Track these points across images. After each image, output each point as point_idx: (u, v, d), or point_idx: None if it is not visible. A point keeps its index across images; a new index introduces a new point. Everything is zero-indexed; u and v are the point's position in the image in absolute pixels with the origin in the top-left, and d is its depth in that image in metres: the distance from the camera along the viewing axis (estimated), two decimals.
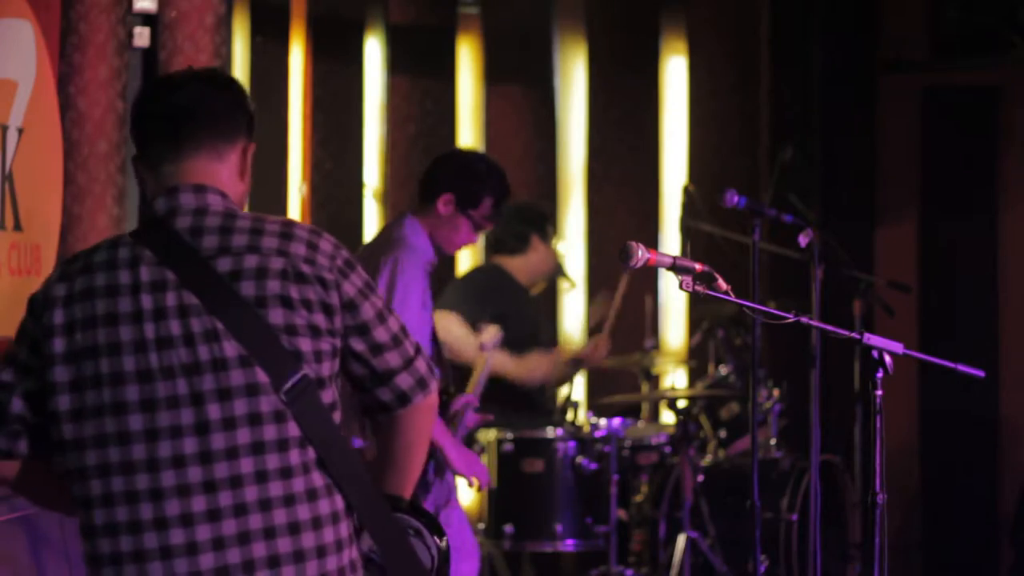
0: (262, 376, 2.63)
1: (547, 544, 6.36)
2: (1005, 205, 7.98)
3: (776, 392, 6.83)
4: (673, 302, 7.98)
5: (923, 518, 7.98)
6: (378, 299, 2.77)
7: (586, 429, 6.50)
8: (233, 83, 2.87)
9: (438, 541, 2.82)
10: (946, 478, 7.91)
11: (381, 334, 2.76)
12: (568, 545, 6.37)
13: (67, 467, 2.70)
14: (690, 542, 6.27)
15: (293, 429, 2.64)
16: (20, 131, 4.70)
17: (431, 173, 4.91)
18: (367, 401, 2.81)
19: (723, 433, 7.02)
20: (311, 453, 2.66)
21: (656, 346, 7.34)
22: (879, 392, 3.38)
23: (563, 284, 7.35)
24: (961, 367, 3.53)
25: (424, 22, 7.35)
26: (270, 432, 2.63)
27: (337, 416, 2.72)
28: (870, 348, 3.37)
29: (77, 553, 4.08)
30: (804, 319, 3.37)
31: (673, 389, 7.28)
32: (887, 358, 3.38)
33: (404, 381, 2.78)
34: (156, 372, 2.64)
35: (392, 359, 2.77)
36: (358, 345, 2.74)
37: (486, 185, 4.83)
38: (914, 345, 4.27)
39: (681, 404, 6.61)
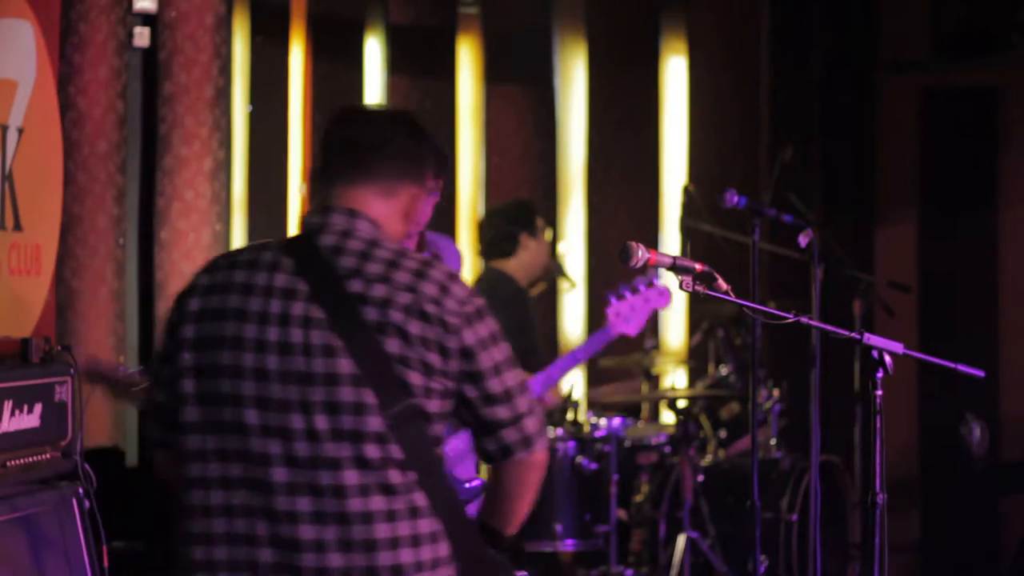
0: (370, 397, 2.74)
1: (547, 544, 6.36)
2: (1005, 205, 7.98)
3: (776, 392, 6.84)
4: (673, 302, 7.98)
5: (923, 518, 7.98)
6: (500, 352, 2.85)
7: (586, 429, 6.50)
8: (425, 135, 3.00)
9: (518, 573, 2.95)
10: (946, 479, 7.91)
11: (494, 385, 2.83)
12: (568, 545, 6.37)
13: (188, 448, 2.86)
14: (690, 542, 6.27)
15: (396, 451, 2.76)
16: (20, 131, 4.70)
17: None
18: (476, 447, 2.91)
19: (723, 433, 7.03)
20: (412, 475, 2.77)
21: (656, 346, 7.34)
22: (879, 392, 3.38)
23: (563, 284, 7.35)
24: (961, 367, 3.53)
25: (424, 22, 7.35)
26: (372, 450, 2.75)
27: (440, 451, 2.83)
28: (870, 348, 3.37)
29: (77, 553, 4.09)
30: (804, 319, 3.36)
31: (673, 389, 7.28)
32: (887, 358, 3.37)
33: (509, 436, 2.87)
34: (273, 373, 2.77)
35: (501, 412, 2.85)
36: (470, 392, 2.83)
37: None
38: (914, 345, 4.26)
39: (681, 404, 6.61)
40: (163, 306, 6.00)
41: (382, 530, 2.75)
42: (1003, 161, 8.00)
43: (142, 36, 5.86)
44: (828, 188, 8.12)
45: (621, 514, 6.53)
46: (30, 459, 4.00)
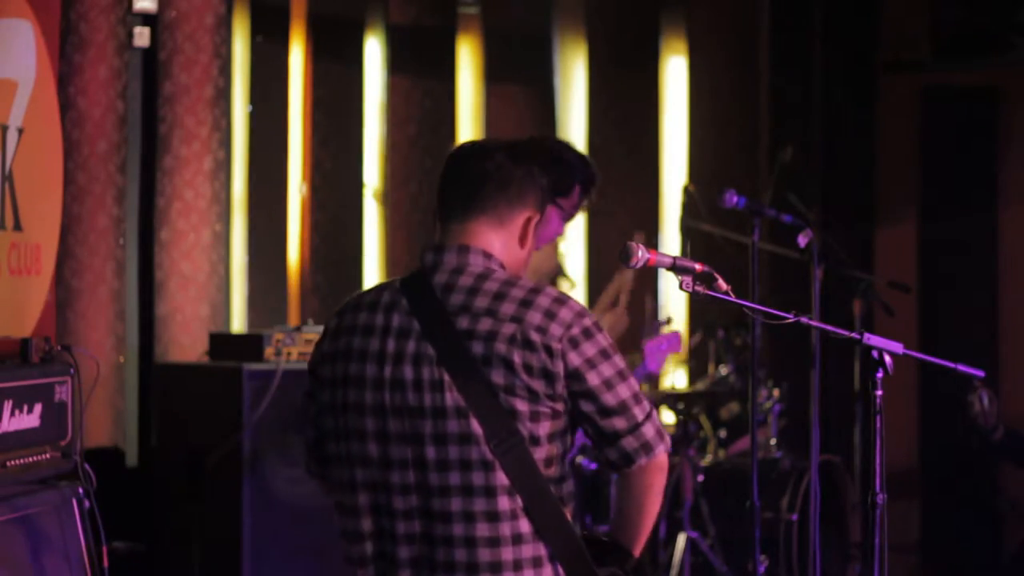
0: (476, 428, 2.91)
1: None
2: (1005, 205, 7.98)
3: (776, 392, 6.84)
4: (673, 302, 7.99)
5: (923, 518, 7.98)
6: (610, 367, 2.96)
7: None
8: (533, 161, 3.13)
9: None
10: (946, 478, 7.91)
11: (608, 400, 2.96)
12: None
13: (334, 479, 3.09)
14: (690, 542, 6.27)
15: (501, 478, 2.91)
16: (20, 131, 4.70)
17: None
18: (601, 461, 3.12)
19: (723, 433, 7.03)
20: (519, 501, 2.92)
21: None
22: (879, 392, 3.38)
23: (563, 284, 7.35)
24: (961, 367, 3.53)
25: (424, 22, 7.35)
26: (478, 478, 2.91)
27: (553, 471, 2.95)
28: (870, 348, 3.37)
29: (77, 553, 4.09)
30: (804, 319, 3.36)
31: (673, 389, 7.27)
32: (887, 358, 3.37)
33: (628, 444, 2.98)
34: (388, 409, 2.97)
35: (618, 423, 2.97)
36: (586, 407, 2.96)
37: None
38: (914, 345, 4.26)
39: (681, 404, 6.61)
40: (163, 306, 6.00)
41: (484, 555, 2.92)
42: (1003, 161, 8.01)
43: (142, 36, 5.86)
44: (828, 188, 8.12)
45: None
46: (30, 459, 4.00)
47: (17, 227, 4.70)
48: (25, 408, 3.99)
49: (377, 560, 3.01)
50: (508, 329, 2.92)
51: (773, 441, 6.77)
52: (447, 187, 3.12)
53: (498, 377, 2.90)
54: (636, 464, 2.99)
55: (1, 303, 4.62)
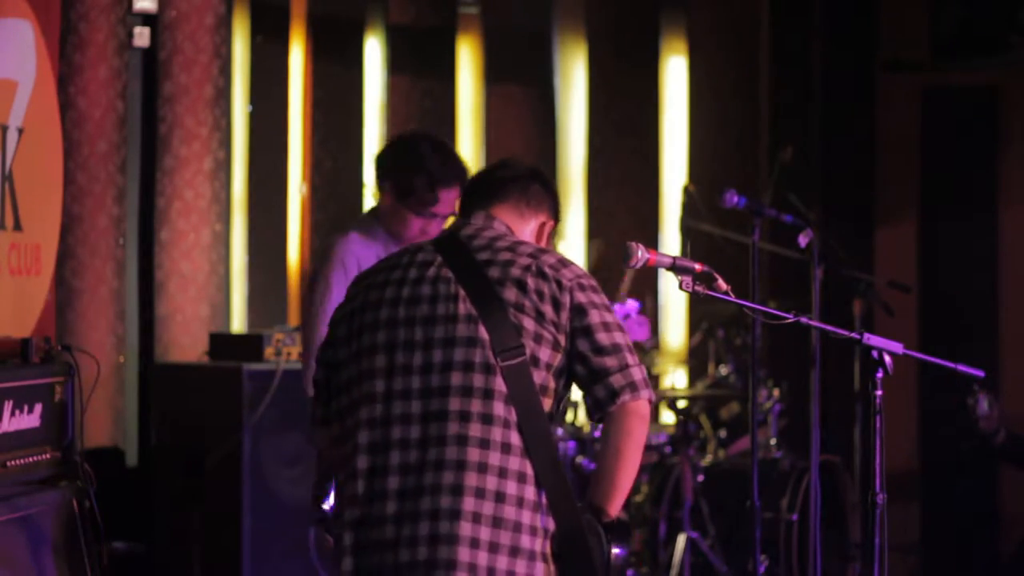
0: (483, 333, 3.10)
1: None
2: (1005, 205, 7.98)
3: (776, 392, 6.83)
4: (673, 302, 7.98)
5: (923, 518, 7.98)
6: (609, 314, 3.17)
7: (586, 429, 6.50)
8: (549, 183, 3.46)
9: (615, 550, 3.08)
10: (946, 478, 7.91)
11: (603, 339, 3.13)
12: None
13: (335, 408, 3.24)
14: (690, 542, 6.27)
15: (500, 384, 3.08)
16: (20, 131, 4.70)
17: (375, 163, 4.57)
18: (588, 405, 3.17)
19: (723, 433, 7.03)
20: (513, 414, 3.08)
21: (656, 346, 7.33)
22: (879, 392, 3.38)
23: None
24: (961, 367, 3.53)
25: (424, 22, 7.35)
26: (479, 380, 3.08)
27: (547, 404, 3.11)
28: (870, 348, 3.37)
29: (77, 553, 4.09)
30: (804, 319, 3.37)
31: (673, 389, 7.27)
32: (887, 358, 3.38)
33: (616, 380, 3.12)
34: (401, 320, 3.15)
35: (609, 361, 3.12)
36: (582, 345, 3.13)
37: (418, 171, 4.42)
38: (914, 345, 4.26)
39: (681, 404, 6.60)
40: (163, 306, 6.00)
41: (473, 454, 3.04)
42: (1003, 161, 8.00)
43: (142, 36, 5.86)
44: (828, 188, 8.12)
45: (621, 514, 6.53)
46: (30, 459, 4.01)
47: (17, 227, 4.70)
48: (25, 408, 3.99)
49: (369, 474, 3.11)
50: (524, 260, 3.16)
51: (773, 441, 6.77)
52: (472, 189, 3.42)
53: (510, 295, 3.11)
54: (620, 400, 3.10)
55: (1, 303, 4.62)
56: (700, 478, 6.44)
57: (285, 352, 5.66)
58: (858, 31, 8.21)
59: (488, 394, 3.07)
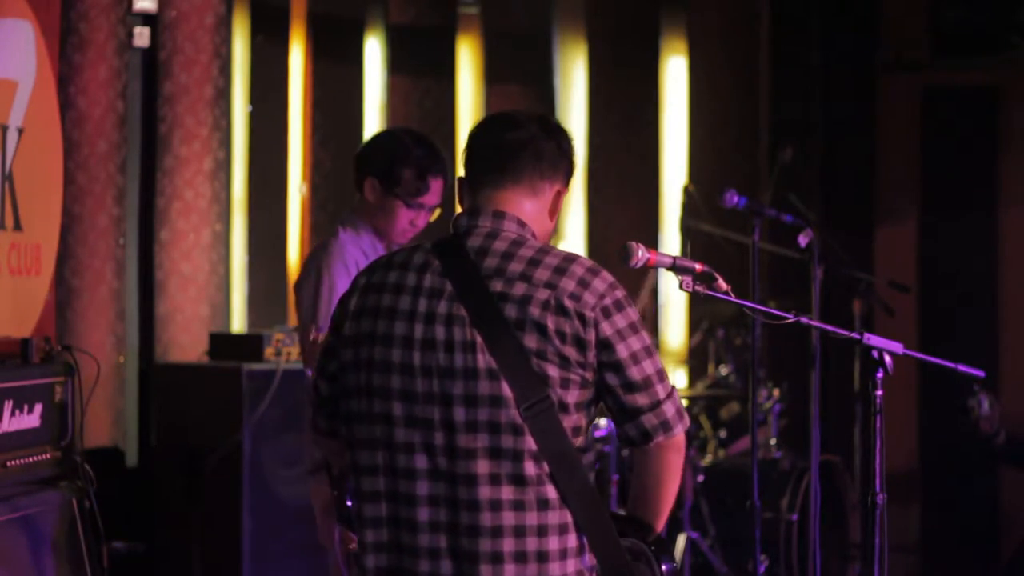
0: (506, 391, 2.89)
1: None
2: (1005, 205, 7.98)
3: (776, 392, 6.83)
4: (673, 302, 7.98)
5: (923, 518, 7.98)
6: (638, 340, 2.96)
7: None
8: (563, 134, 3.20)
9: (663, 567, 3.03)
10: (946, 478, 7.91)
11: (633, 374, 2.95)
12: None
13: (355, 437, 3.03)
14: (690, 542, 6.27)
15: (529, 443, 2.89)
16: (20, 131, 4.70)
17: (356, 160, 4.53)
18: (619, 435, 3.02)
19: (723, 433, 7.02)
20: (546, 467, 2.91)
21: (656, 346, 7.32)
22: (879, 392, 3.38)
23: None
24: (961, 367, 3.53)
25: (424, 22, 7.35)
26: (507, 441, 2.90)
27: (580, 441, 2.95)
28: (870, 348, 3.37)
29: (77, 553, 4.09)
30: (804, 319, 3.36)
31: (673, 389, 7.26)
32: (887, 358, 3.37)
33: (648, 420, 2.97)
34: (417, 368, 2.94)
35: (640, 399, 2.96)
36: (611, 380, 2.95)
37: (406, 162, 4.37)
38: (914, 345, 4.26)
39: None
40: (163, 306, 6.00)
41: (508, 518, 2.89)
42: (1003, 161, 8.00)
43: (142, 36, 5.86)
44: (828, 188, 8.12)
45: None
46: (30, 459, 4.01)
47: (17, 227, 4.70)
48: (25, 408, 3.99)
49: (390, 523, 2.96)
50: (542, 295, 2.92)
51: (773, 441, 6.77)
52: (479, 154, 3.11)
53: (531, 341, 2.89)
54: (654, 441, 2.97)
55: (1, 303, 4.62)
56: (700, 478, 6.43)
57: (285, 352, 5.65)
58: (858, 31, 8.21)
59: (518, 455, 2.89)
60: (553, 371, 2.90)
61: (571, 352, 2.90)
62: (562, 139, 3.18)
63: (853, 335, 3.35)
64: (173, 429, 5.74)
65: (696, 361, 7.50)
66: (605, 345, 2.93)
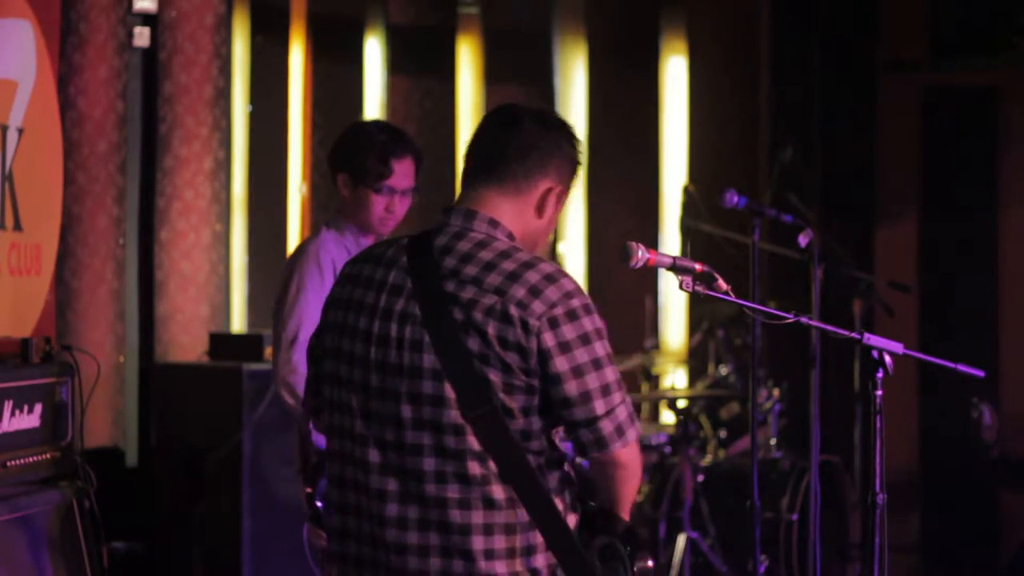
0: (449, 392, 2.90)
1: None
2: (1005, 205, 7.98)
3: (776, 392, 6.83)
4: (673, 302, 7.99)
5: (923, 518, 7.98)
6: (586, 353, 2.91)
7: None
8: (563, 129, 3.10)
9: (638, 562, 3.02)
10: (946, 479, 7.91)
11: (571, 389, 2.92)
12: None
13: (327, 422, 3.11)
14: (690, 542, 6.27)
15: (472, 443, 2.90)
16: (20, 131, 4.70)
17: (327, 161, 4.57)
18: (574, 443, 3.00)
19: (723, 433, 7.02)
20: (492, 467, 2.92)
21: (656, 346, 7.33)
22: (879, 392, 3.38)
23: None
24: (961, 367, 3.52)
25: (424, 22, 7.35)
26: (449, 441, 2.91)
27: (535, 445, 2.94)
28: (870, 348, 3.37)
29: (77, 553, 4.09)
30: (804, 319, 3.36)
31: (673, 389, 7.27)
32: (887, 358, 3.37)
33: (584, 435, 2.96)
34: (372, 363, 2.98)
35: (577, 413, 2.93)
36: (551, 392, 2.92)
37: (368, 149, 4.39)
38: (914, 345, 4.26)
39: (681, 404, 6.61)
40: (163, 306, 6.00)
41: (455, 515, 2.91)
42: (1003, 161, 8.00)
43: (142, 36, 5.86)
44: (828, 188, 8.12)
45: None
46: (30, 459, 4.01)
47: (17, 227, 4.70)
48: (25, 408, 3.99)
49: (355, 510, 3.01)
50: (488, 300, 2.89)
51: (773, 441, 6.77)
52: (472, 148, 3.10)
53: (474, 344, 2.88)
54: (610, 449, 2.97)
55: (1, 303, 4.62)
56: (700, 478, 6.43)
57: None
58: (858, 31, 8.21)
59: (460, 455, 2.89)
60: (495, 376, 2.88)
61: (513, 359, 2.88)
62: (561, 135, 3.09)
63: (853, 335, 3.35)
64: (173, 429, 5.75)
65: (696, 361, 7.50)
66: (545, 356, 2.89)
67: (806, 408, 4.89)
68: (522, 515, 2.93)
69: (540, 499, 2.94)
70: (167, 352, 5.99)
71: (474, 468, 2.90)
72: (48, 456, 4.07)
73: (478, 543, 2.90)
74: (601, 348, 2.94)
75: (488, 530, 2.91)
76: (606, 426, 2.95)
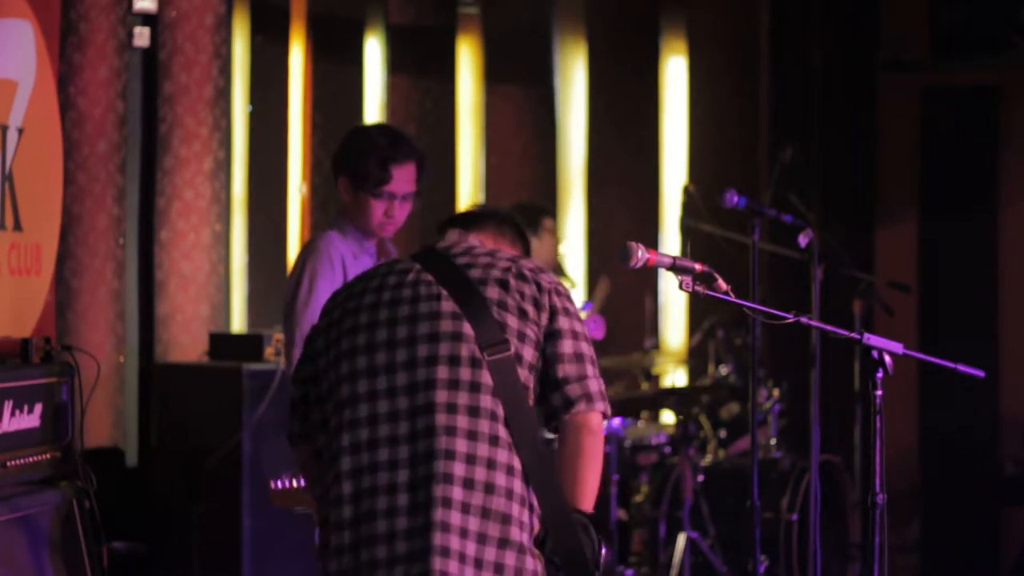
0: (468, 329, 3.11)
1: None
2: (1005, 205, 7.98)
3: (776, 392, 6.84)
4: (673, 302, 7.98)
5: (923, 518, 7.98)
6: (579, 323, 3.21)
7: None
8: (522, 231, 3.51)
9: (604, 549, 3.11)
10: (946, 478, 7.91)
11: (567, 346, 3.17)
12: None
13: (316, 419, 3.24)
14: (690, 542, 6.27)
15: (486, 377, 3.10)
16: (20, 131, 4.70)
17: (331, 164, 4.61)
18: (545, 411, 3.19)
19: (723, 433, 7.02)
20: (500, 408, 3.09)
21: (656, 346, 7.33)
22: (879, 392, 3.38)
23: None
24: (961, 367, 3.53)
25: (424, 22, 7.35)
26: (464, 374, 3.09)
27: (530, 397, 3.13)
28: (870, 348, 3.37)
29: (77, 553, 4.09)
30: (804, 319, 3.36)
31: (673, 389, 7.27)
32: (887, 358, 3.37)
33: (572, 390, 3.15)
34: (381, 322, 3.16)
35: (569, 369, 3.16)
36: (548, 348, 3.17)
37: (368, 154, 4.42)
38: (914, 345, 4.26)
39: (681, 404, 6.60)
40: (163, 306, 6.00)
41: (461, 444, 3.05)
42: (1003, 161, 8.00)
43: (142, 36, 5.86)
44: (828, 188, 8.12)
45: (621, 514, 6.53)
46: (30, 459, 4.01)
47: (17, 227, 4.70)
48: (25, 408, 3.99)
49: (354, 474, 3.10)
50: (504, 264, 3.20)
51: (773, 441, 6.77)
52: (448, 220, 3.45)
53: (492, 293, 3.14)
54: (574, 409, 3.13)
55: (1, 303, 4.62)
56: (700, 478, 6.43)
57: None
58: (858, 31, 8.21)
59: (475, 387, 3.08)
60: (512, 321, 3.12)
61: (529, 308, 3.15)
62: (523, 233, 3.53)
63: (853, 335, 3.35)
64: (173, 429, 5.74)
65: (696, 361, 7.50)
66: (554, 313, 3.17)
67: (806, 408, 4.89)
68: (515, 460, 3.08)
69: (536, 447, 3.09)
70: (167, 352, 5.99)
71: (485, 401, 3.07)
72: (48, 456, 4.07)
73: (480, 474, 3.05)
74: (585, 328, 3.24)
75: (491, 464, 3.06)
76: (594, 384, 3.17)
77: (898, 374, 3.45)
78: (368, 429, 3.10)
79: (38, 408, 4.03)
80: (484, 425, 3.06)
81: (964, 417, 7.73)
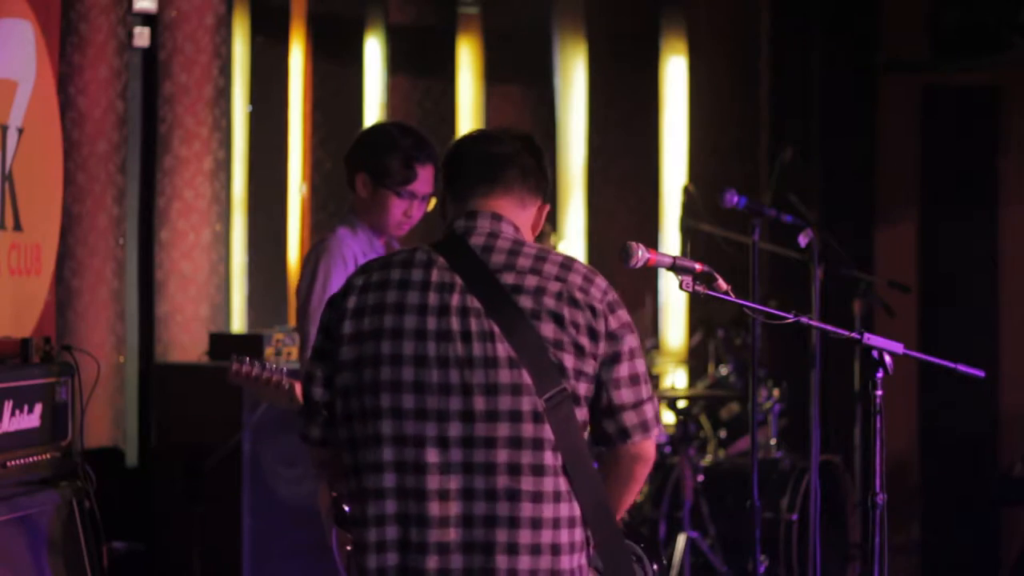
0: (527, 378, 2.91)
1: None
2: (1005, 205, 7.98)
3: (776, 392, 6.84)
4: (673, 302, 7.98)
5: (923, 518, 7.98)
6: (634, 339, 3.02)
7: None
8: (543, 154, 3.19)
9: (655, 567, 3.07)
10: (946, 478, 7.92)
11: (626, 368, 2.99)
12: None
13: (348, 437, 3.00)
14: (690, 542, 6.27)
15: (548, 432, 2.91)
16: (20, 131, 4.70)
17: (345, 159, 4.53)
18: (595, 432, 3.02)
19: (723, 433, 7.03)
20: (560, 458, 2.92)
21: (656, 346, 7.33)
22: (879, 392, 3.38)
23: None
24: (961, 367, 3.52)
25: (424, 22, 7.35)
26: (527, 430, 2.91)
27: (586, 435, 2.97)
28: (870, 348, 3.37)
29: (77, 553, 4.09)
30: (804, 319, 3.36)
31: (673, 389, 7.27)
32: (887, 358, 3.37)
33: (629, 418, 3.00)
34: (432, 360, 2.93)
35: (626, 395, 2.99)
36: (606, 374, 2.99)
37: (393, 152, 4.38)
38: (914, 345, 4.26)
39: (681, 404, 6.61)
40: (163, 306, 6.00)
41: (526, 509, 2.89)
42: (1003, 161, 8.01)
43: (142, 36, 5.86)
44: (828, 188, 8.12)
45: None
46: (30, 459, 4.01)
47: (17, 227, 4.70)
48: (25, 408, 3.99)
49: (399, 520, 2.93)
50: (554, 286, 2.96)
51: (773, 441, 6.77)
52: (468, 166, 3.12)
53: (547, 331, 2.93)
54: (631, 440, 2.99)
55: (1, 303, 4.62)
56: (700, 478, 6.44)
57: (285, 352, 5.66)
58: (858, 31, 8.22)
59: (538, 444, 2.90)
60: (569, 361, 2.92)
61: (585, 342, 2.94)
62: (542, 159, 3.19)
63: (853, 335, 3.35)
64: (173, 429, 5.74)
65: (696, 361, 7.51)
66: (612, 336, 2.97)
67: (806, 408, 4.89)
68: (576, 509, 2.94)
69: (597, 493, 2.96)
70: (167, 352, 5.99)
71: (548, 458, 2.91)
72: (48, 456, 4.07)
73: (547, 536, 2.90)
74: (638, 339, 3.06)
75: (556, 524, 2.91)
76: (649, 409, 3.02)
77: (898, 374, 3.44)
78: (414, 476, 2.92)
79: (38, 408, 4.03)
80: (548, 483, 2.90)
81: (964, 417, 7.73)
